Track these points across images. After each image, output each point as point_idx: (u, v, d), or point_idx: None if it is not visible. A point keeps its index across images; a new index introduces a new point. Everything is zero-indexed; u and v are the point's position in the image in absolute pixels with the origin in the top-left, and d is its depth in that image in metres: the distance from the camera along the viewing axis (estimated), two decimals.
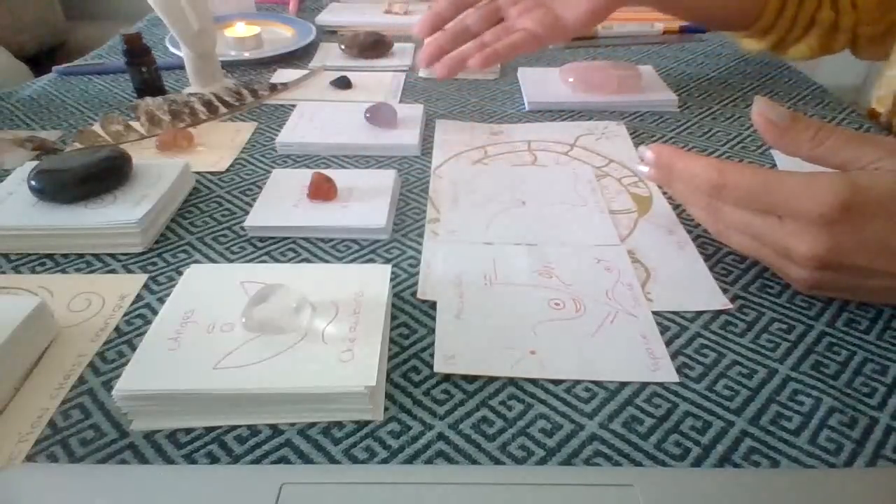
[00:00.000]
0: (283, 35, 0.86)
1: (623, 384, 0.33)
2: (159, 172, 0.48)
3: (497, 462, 0.29)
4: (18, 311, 0.34)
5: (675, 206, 0.49)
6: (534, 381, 0.33)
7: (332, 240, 0.45)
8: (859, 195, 0.32)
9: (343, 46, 0.80)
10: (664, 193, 0.51)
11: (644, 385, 0.33)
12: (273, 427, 0.31)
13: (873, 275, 0.34)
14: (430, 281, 0.41)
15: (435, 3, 0.54)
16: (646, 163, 0.41)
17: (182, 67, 0.71)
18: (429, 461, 0.29)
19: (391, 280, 0.38)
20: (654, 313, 0.38)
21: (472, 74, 0.75)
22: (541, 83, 0.71)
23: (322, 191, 0.47)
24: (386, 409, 0.32)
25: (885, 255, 0.33)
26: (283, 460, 0.29)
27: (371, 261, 0.43)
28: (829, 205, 0.32)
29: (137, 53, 0.65)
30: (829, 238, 0.33)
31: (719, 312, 0.38)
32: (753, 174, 0.35)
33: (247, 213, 0.47)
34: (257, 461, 0.29)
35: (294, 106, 0.65)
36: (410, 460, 0.29)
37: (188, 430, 0.31)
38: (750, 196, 0.35)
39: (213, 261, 0.43)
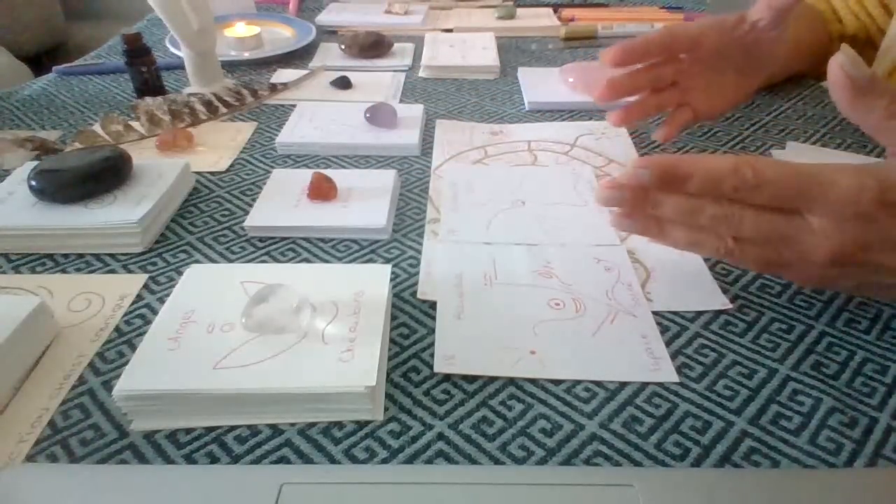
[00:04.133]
0: (283, 35, 0.86)
1: (623, 384, 0.33)
2: (159, 172, 0.48)
3: (497, 462, 0.29)
4: (18, 311, 0.34)
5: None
6: (534, 381, 0.33)
7: (332, 240, 0.45)
8: (891, 191, 0.31)
9: (343, 46, 0.80)
10: None
11: (644, 385, 0.33)
12: (273, 427, 0.31)
13: (889, 272, 0.33)
14: (430, 281, 0.41)
15: (638, 41, 0.51)
16: (637, 180, 0.34)
17: (182, 67, 0.71)
18: (429, 461, 0.29)
19: (391, 280, 0.38)
20: (654, 313, 0.38)
21: (471, 74, 0.75)
22: (541, 83, 0.71)
23: (322, 191, 0.47)
24: (386, 409, 0.32)
25: None
26: (283, 460, 0.29)
27: (371, 261, 0.43)
28: (864, 200, 0.31)
29: (137, 53, 0.65)
30: (857, 235, 0.32)
31: (719, 312, 0.38)
32: (785, 168, 0.32)
33: (247, 213, 0.47)
34: (257, 461, 0.29)
35: (294, 106, 0.65)
36: (410, 460, 0.29)
37: (188, 430, 0.31)
38: (781, 190, 0.32)
39: (213, 261, 0.43)
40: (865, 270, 0.34)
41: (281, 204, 0.47)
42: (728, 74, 0.55)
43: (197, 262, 0.43)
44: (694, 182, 0.33)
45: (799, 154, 0.56)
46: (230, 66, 0.76)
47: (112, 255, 0.43)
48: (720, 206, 0.33)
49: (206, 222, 0.47)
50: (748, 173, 0.32)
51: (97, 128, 0.59)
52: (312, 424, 0.31)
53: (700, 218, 0.34)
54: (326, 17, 0.93)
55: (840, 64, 0.33)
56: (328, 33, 0.90)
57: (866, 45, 0.67)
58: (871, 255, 0.33)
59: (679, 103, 0.55)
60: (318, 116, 0.62)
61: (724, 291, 0.40)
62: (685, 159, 0.33)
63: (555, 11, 0.97)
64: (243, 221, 0.46)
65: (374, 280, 0.37)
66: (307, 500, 0.26)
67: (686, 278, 0.41)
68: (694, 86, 0.54)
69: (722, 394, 0.33)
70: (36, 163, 0.47)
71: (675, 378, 0.34)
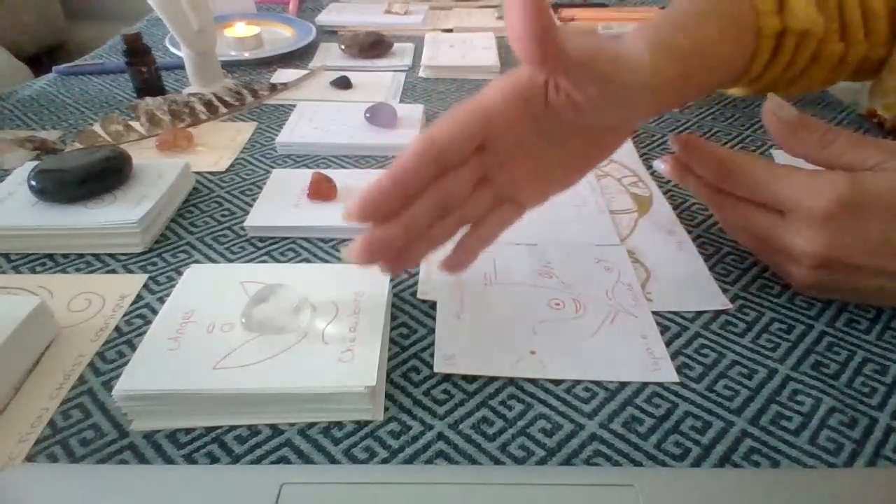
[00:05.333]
0: (283, 35, 0.86)
1: (623, 384, 0.33)
2: (159, 172, 0.48)
3: (497, 462, 0.29)
4: (18, 311, 0.34)
5: (676, 206, 0.49)
6: (534, 381, 0.33)
7: (332, 240, 0.45)
8: (861, 193, 0.33)
9: (343, 46, 0.80)
10: (665, 193, 0.51)
11: (644, 385, 0.33)
12: (273, 427, 0.31)
13: (873, 274, 0.34)
14: (430, 281, 0.41)
15: (381, 182, 0.30)
16: (676, 150, 0.41)
17: (182, 67, 0.71)
18: (429, 461, 0.29)
19: (391, 280, 0.38)
20: (654, 313, 0.38)
21: (472, 74, 0.75)
22: None
23: (322, 191, 0.47)
24: (386, 409, 0.32)
25: (886, 254, 0.33)
26: (283, 460, 0.29)
27: None
28: (831, 201, 0.33)
29: (137, 53, 0.65)
30: (829, 235, 0.33)
31: (719, 312, 0.38)
32: (758, 165, 0.36)
33: (247, 213, 0.47)
34: (257, 461, 0.29)
35: (294, 106, 0.65)
36: (410, 460, 0.29)
37: (188, 430, 0.31)
38: (754, 186, 0.36)
39: (213, 261, 0.43)
40: (854, 274, 0.35)
41: (281, 204, 0.47)
42: (575, 135, 0.36)
43: (197, 262, 0.43)
44: (693, 160, 0.39)
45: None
46: (230, 66, 0.76)
47: (112, 255, 0.43)
48: (712, 190, 0.39)
49: (206, 222, 0.47)
50: (728, 162, 0.37)
51: (97, 128, 0.59)
52: (312, 424, 0.31)
53: (701, 198, 0.40)
54: (326, 17, 0.93)
55: (770, 110, 0.37)
56: (328, 33, 0.90)
57: (826, 41, 0.50)
58: (852, 258, 0.34)
59: (497, 202, 0.36)
60: (318, 116, 0.62)
61: (724, 291, 0.40)
62: (702, 144, 0.39)
63: (555, 11, 0.97)
64: (243, 221, 0.46)
65: (374, 280, 0.37)
66: (307, 500, 0.26)
67: (686, 278, 0.41)
68: (519, 170, 0.35)
69: (722, 394, 0.33)
70: (36, 163, 0.47)
71: (675, 378, 0.34)
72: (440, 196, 0.32)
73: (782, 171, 0.35)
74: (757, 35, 0.48)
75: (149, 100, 0.61)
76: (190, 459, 0.29)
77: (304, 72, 0.74)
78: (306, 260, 0.43)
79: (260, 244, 0.45)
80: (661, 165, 0.43)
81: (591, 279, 0.41)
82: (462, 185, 0.33)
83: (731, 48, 0.47)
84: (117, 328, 0.37)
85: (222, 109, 0.64)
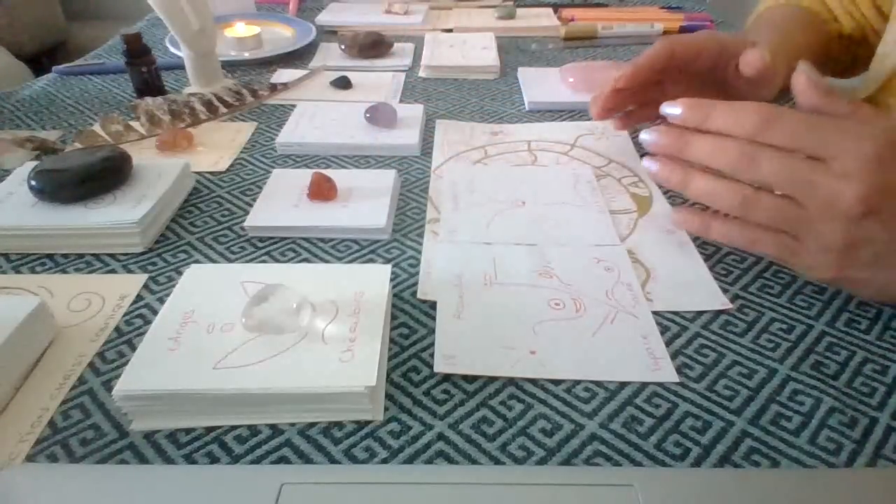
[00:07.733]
0: (283, 35, 0.86)
1: (623, 384, 0.33)
2: (159, 172, 0.48)
3: (497, 462, 0.29)
4: (18, 311, 0.34)
5: (675, 206, 0.49)
6: (534, 381, 0.33)
7: (332, 240, 0.45)
8: None
9: (343, 46, 0.80)
10: (665, 193, 0.51)
11: (644, 385, 0.33)
12: (273, 427, 0.31)
13: None
14: (430, 281, 0.41)
15: (643, 63, 0.51)
16: (671, 118, 0.39)
17: (182, 67, 0.71)
18: (429, 461, 0.29)
19: (391, 280, 0.38)
20: (654, 313, 0.38)
21: (472, 74, 0.75)
22: (541, 83, 0.71)
23: (322, 191, 0.47)
24: (386, 409, 0.32)
25: None
26: (283, 460, 0.29)
27: (371, 261, 0.43)
28: (885, 142, 0.32)
29: (137, 53, 0.65)
30: (882, 177, 0.32)
31: (719, 312, 0.38)
32: (805, 113, 0.35)
33: (247, 213, 0.47)
34: (257, 461, 0.29)
35: (294, 106, 0.65)
36: (410, 460, 0.29)
37: (188, 430, 0.31)
38: (802, 131, 0.34)
39: (213, 261, 0.43)
40: (888, 227, 0.33)
41: (281, 204, 0.47)
42: (710, 90, 0.53)
43: (197, 262, 0.43)
44: (717, 115, 0.37)
45: None
46: (230, 66, 0.76)
47: (112, 255, 0.43)
48: (742, 144, 0.35)
49: (206, 222, 0.47)
50: (764, 110, 0.35)
51: (97, 128, 0.59)
52: (312, 424, 0.31)
53: (722, 157, 0.36)
54: (326, 17, 0.93)
55: (804, 72, 0.37)
56: (328, 33, 0.90)
57: (861, 44, 0.67)
58: (893, 202, 0.33)
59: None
60: (318, 116, 0.62)
61: (724, 291, 0.40)
62: (712, 101, 0.38)
63: (555, 11, 0.97)
64: (243, 221, 0.46)
65: (374, 280, 0.37)
66: (307, 500, 0.26)
67: (686, 278, 0.41)
68: (674, 92, 0.53)
69: (722, 394, 0.33)
70: (36, 163, 0.47)
71: (675, 378, 0.34)
72: (650, 90, 0.54)
73: (827, 118, 0.34)
74: (828, 37, 0.66)
75: (149, 100, 0.61)
76: (190, 459, 0.29)
77: (304, 72, 0.74)
78: (306, 260, 0.43)
79: (260, 244, 0.45)
80: (646, 138, 0.41)
81: (591, 279, 0.41)
82: (653, 95, 0.53)
83: (814, 46, 0.64)
84: (117, 328, 0.37)
85: (222, 109, 0.64)
